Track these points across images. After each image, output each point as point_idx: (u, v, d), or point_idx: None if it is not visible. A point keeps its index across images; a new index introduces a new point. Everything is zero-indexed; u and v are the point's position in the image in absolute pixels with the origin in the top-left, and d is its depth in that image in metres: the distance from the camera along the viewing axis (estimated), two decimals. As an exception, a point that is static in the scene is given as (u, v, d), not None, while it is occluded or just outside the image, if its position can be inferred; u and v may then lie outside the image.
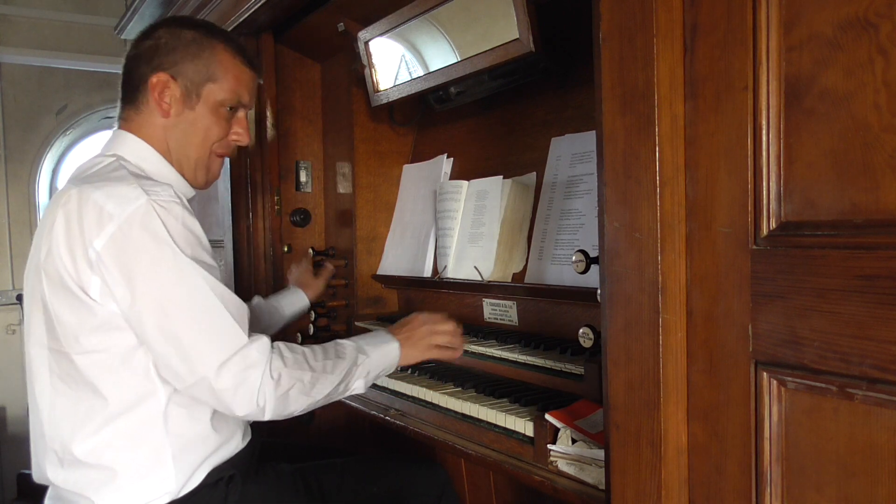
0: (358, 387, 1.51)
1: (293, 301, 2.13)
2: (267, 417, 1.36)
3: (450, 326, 1.64)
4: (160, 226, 1.29)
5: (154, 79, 1.46)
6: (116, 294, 1.29)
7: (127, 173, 1.38)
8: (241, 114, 1.57)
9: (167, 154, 1.50)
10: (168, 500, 1.37)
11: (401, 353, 1.57)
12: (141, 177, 1.39)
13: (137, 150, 1.47)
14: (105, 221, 1.27)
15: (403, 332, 1.61)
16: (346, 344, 1.51)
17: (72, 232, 1.29)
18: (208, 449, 1.42)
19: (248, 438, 1.55)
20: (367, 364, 1.51)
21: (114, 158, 1.44)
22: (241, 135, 1.57)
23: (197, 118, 1.50)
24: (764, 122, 0.85)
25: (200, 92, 1.49)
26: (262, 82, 1.63)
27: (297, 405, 1.40)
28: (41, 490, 1.50)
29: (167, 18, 1.57)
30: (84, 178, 1.38)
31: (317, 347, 1.46)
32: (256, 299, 2.06)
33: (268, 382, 1.33)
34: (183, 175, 1.53)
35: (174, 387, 1.35)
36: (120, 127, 1.52)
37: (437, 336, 1.62)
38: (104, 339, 1.32)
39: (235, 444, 1.49)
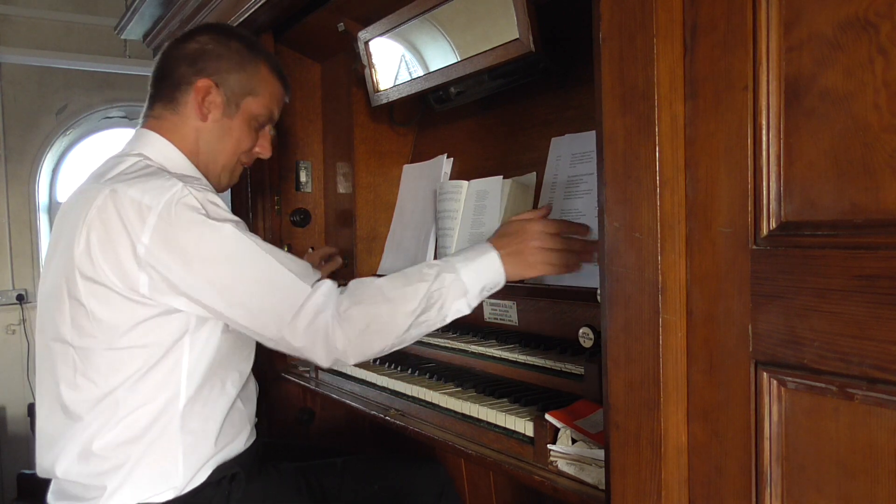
0: (460, 308, 1.37)
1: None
2: (352, 360, 1.33)
3: (557, 225, 1.42)
4: (198, 206, 1.31)
5: (200, 83, 1.49)
6: (174, 279, 1.30)
7: (157, 169, 1.41)
8: (266, 128, 1.62)
9: (195, 155, 1.53)
10: (173, 495, 1.39)
11: (504, 269, 1.38)
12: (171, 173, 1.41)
13: (163, 151, 1.49)
14: (146, 214, 1.29)
15: (511, 245, 1.39)
16: (434, 264, 1.38)
17: (113, 232, 1.30)
18: (216, 447, 1.44)
19: (253, 439, 1.56)
20: (457, 284, 1.35)
21: (139, 157, 1.45)
22: (265, 148, 1.63)
23: (232, 127, 1.55)
24: (764, 122, 0.85)
25: (240, 103, 1.54)
26: (287, 100, 1.70)
27: (382, 342, 1.33)
28: (41, 490, 1.50)
29: (210, 25, 1.62)
30: (113, 177, 1.39)
31: (398, 275, 1.37)
32: None
33: (339, 325, 1.29)
34: (208, 177, 1.56)
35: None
36: (146, 125, 1.54)
37: (552, 254, 1.39)
38: (144, 337, 1.34)
39: (240, 443, 1.51)
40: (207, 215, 1.31)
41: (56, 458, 1.40)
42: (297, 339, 1.30)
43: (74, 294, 1.34)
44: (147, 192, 1.31)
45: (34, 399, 1.52)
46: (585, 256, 1.42)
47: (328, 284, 1.34)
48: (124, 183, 1.34)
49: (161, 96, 1.54)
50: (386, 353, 1.35)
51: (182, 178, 1.36)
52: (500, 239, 1.41)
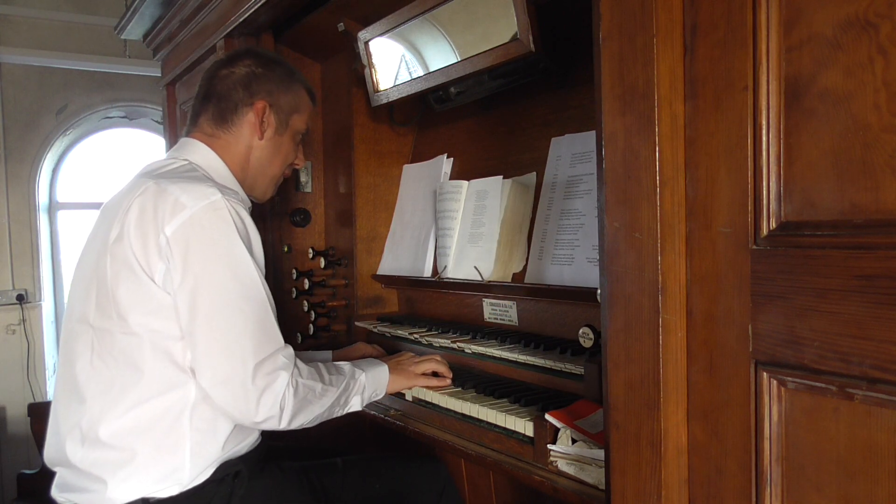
0: (355, 403, 1.61)
1: (319, 358, 2.01)
2: (283, 424, 1.43)
3: (436, 357, 1.80)
4: (230, 221, 1.39)
5: (259, 104, 1.61)
6: (177, 280, 1.36)
7: (201, 176, 1.51)
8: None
9: (242, 170, 1.64)
10: (178, 490, 1.41)
11: (390, 377, 1.70)
12: (214, 181, 1.50)
13: (207, 159, 1.59)
14: (178, 210, 1.36)
15: (392, 361, 1.76)
16: (343, 363, 1.64)
17: (145, 219, 1.37)
18: (225, 448, 1.46)
19: (259, 441, 1.57)
20: (363, 380, 1.62)
21: (186, 162, 1.56)
22: (301, 159, 1.79)
23: (282, 143, 1.69)
24: (764, 122, 0.85)
25: (289, 121, 1.69)
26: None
27: (308, 415, 1.48)
28: (41, 490, 1.50)
29: (249, 49, 1.76)
30: (160, 173, 1.48)
31: (319, 364, 1.56)
32: None
33: (290, 389, 1.41)
34: (254, 189, 1.69)
35: (200, 382, 1.39)
36: (193, 136, 1.63)
37: (422, 365, 1.76)
38: (154, 324, 1.38)
39: (247, 445, 1.53)
40: (236, 231, 1.39)
41: (67, 440, 1.42)
42: (256, 381, 1.37)
43: (102, 276, 1.40)
44: (187, 192, 1.38)
45: (34, 399, 1.54)
46: (442, 369, 1.78)
47: (291, 349, 1.46)
48: (168, 179, 1.43)
49: (212, 115, 1.63)
50: (303, 427, 1.50)
51: (222, 189, 1.43)
52: (387, 358, 1.79)
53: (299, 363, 1.47)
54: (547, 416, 1.35)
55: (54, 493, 1.47)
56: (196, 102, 1.67)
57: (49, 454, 1.49)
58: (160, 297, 1.37)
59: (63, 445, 1.42)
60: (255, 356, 1.37)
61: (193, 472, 1.41)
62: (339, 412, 1.58)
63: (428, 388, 1.73)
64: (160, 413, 1.38)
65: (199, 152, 1.59)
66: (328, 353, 2.04)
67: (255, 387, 1.36)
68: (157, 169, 1.52)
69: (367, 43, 2.14)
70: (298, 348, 2.09)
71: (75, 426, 1.41)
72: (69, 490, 1.43)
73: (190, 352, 1.38)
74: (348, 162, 2.43)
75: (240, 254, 1.39)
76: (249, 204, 1.66)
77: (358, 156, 2.37)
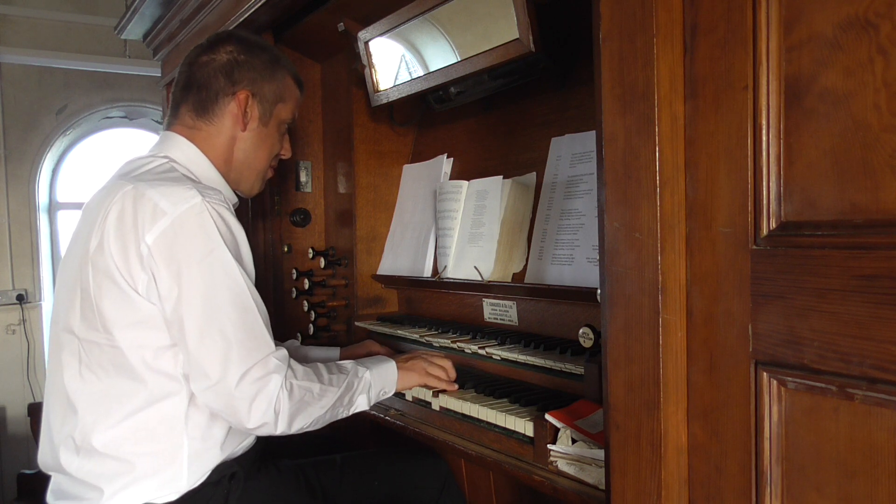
0: (361, 403, 1.55)
1: (326, 354, 2.02)
2: (279, 429, 1.38)
3: (446, 362, 1.73)
4: (212, 225, 1.34)
5: (241, 94, 1.54)
6: (162, 289, 1.32)
7: (181, 175, 1.45)
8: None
9: (225, 164, 1.57)
10: (175, 497, 1.40)
11: (399, 375, 1.64)
12: (194, 180, 1.45)
13: (189, 155, 1.53)
14: (158, 217, 1.31)
15: (401, 359, 1.70)
16: (346, 362, 1.58)
17: (125, 227, 1.33)
18: (223, 451, 1.45)
19: (256, 439, 1.57)
20: (368, 377, 1.55)
21: (165, 160, 1.49)
22: (288, 150, 1.72)
23: (267, 134, 1.62)
24: (764, 122, 0.85)
25: (273, 111, 1.61)
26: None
27: (307, 417, 1.42)
28: (41, 490, 1.50)
29: (232, 34, 1.64)
30: (137, 175, 1.42)
31: (319, 364, 1.51)
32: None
33: (284, 392, 1.36)
34: (241, 184, 1.63)
35: (192, 389, 1.37)
36: (174, 130, 1.56)
37: (433, 367, 1.70)
38: (140, 336, 1.35)
39: (244, 447, 1.52)
40: (220, 235, 1.34)
41: (60, 450, 1.40)
42: (240, 389, 1.32)
43: (85, 286, 1.36)
44: (166, 197, 1.33)
45: (34, 399, 1.54)
46: (452, 375, 1.72)
47: (284, 352, 1.40)
48: (146, 183, 1.37)
49: (192, 106, 1.56)
50: (302, 430, 1.44)
51: (203, 190, 1.37)
52: (397, 356, 1.73)
53: (294, 364, 1.41)
54: (547, 416, 1.35)
55: (49, 499, 1.45)
56: (176, 91, 1.58)
57: (43, 460, 1.47)
58: (145, 307, 1.33)
59: (57, 453, 1.41)
60: (244, 363, 1.33)
61: (192, 478, 1.40)
62: (343, 413, 1.51)
63: (436, 387, 1.68)
64: (155, 422, 1.37)
65: (179, 148, 1.52)
66: (335, 351, 2.01)
67: (243, 394, 1.32)
68: (136, 169, 1.46)
69: (367, 43, 2.14)
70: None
71: (68, 436, 1.39)
72: (64, 497, 1.42)
73: (183, 358, 1.36)
74: (348, 162, 2.43)
75: (224, 260, 1.34)
76: (236, 200, 1.60)
77: (358, 156, 2.37)
